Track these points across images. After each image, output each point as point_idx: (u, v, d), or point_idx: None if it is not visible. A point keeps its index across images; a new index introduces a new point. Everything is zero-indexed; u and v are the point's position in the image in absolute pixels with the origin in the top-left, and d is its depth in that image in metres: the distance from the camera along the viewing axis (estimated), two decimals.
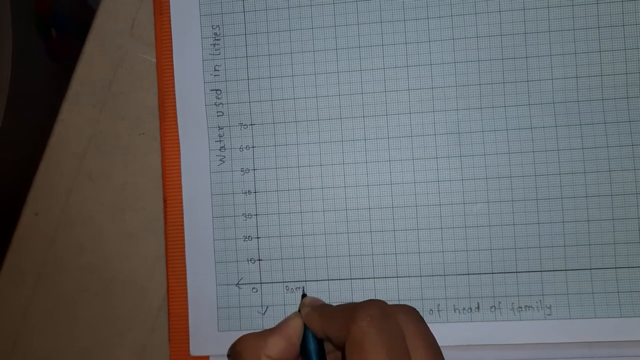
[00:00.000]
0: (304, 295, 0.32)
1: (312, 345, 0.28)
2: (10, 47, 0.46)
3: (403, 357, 0.23)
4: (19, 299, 0.37)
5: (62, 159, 0.36)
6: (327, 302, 0.34)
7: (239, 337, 0.28)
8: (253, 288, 0.34)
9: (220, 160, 0.35)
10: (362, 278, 0.34)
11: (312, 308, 0.29)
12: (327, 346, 0.28)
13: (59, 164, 0.36)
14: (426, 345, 0.24)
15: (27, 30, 0.51)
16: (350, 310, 0.25)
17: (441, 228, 0.33)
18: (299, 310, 0.30)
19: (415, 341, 0.24)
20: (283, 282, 0.34)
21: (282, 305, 0.34)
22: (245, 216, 0.34)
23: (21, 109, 0.48)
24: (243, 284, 0.34)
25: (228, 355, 0.28)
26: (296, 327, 0.28)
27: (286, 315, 0.29)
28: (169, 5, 0.35)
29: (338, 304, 0.28)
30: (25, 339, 0.37)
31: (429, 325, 0.26)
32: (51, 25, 0.54)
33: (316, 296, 0.34)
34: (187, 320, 0.34)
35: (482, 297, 0.33)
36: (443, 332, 0.28)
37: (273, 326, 0.28)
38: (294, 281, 0.34)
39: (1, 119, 0.44)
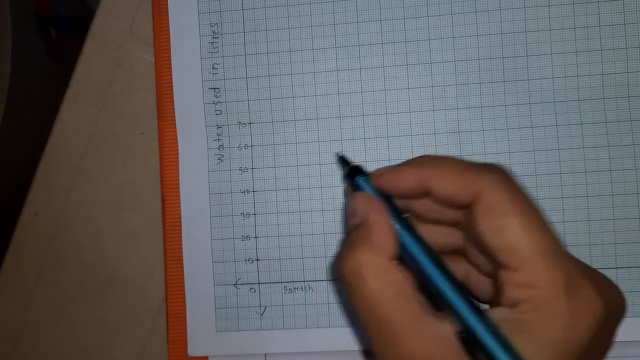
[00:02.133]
0: (343, 160, 0.29)
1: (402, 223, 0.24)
2: (10, 47, 0.46)
3: (543, 219, 0.22)
4: (19, 299, 0.37)
5: (62, 158, 0.36)
6: (326, 302, 0.34)
7: (344, 257, 0.23)
8: (251, 288, 0.34)
9: (219, 159, 0.35)
10: None
11: (395, 167, 0.25)
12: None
13: (59, 164, 0.36)
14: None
15: (26, 30, 0.51)
16: (475, 168, 0.23)
17: None
18: (356, 182, 0.26)
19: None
20: (281, 282, 0.34)
21: (281, 306, 0.34)
22: (244, 215, 0.34)
23: (21, 109, 0.48)
24: (241, 284, 0.34)
25: (341, 277, 0.23)
26: (383, 213, 0.24)
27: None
28: (167, 4, 0.35)
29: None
30: (24, 339, 0.37)
31: None
32: (51, 25, 0.54)
33: (315, 296, 0.34)
34: (185, 320, 0.34)
35: None
36: None
37: (350, 226, 0.25)
38: (293, 281, 0.34)
39: (0, 118, 0.44)
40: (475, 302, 0.22)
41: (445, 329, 0.22)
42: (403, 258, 0.24)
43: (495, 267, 0.23)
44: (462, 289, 0.23)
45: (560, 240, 0.22)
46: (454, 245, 0.26)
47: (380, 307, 0.22)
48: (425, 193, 0.24)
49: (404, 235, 0.24)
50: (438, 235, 0.26)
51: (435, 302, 0.23)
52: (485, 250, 0.22)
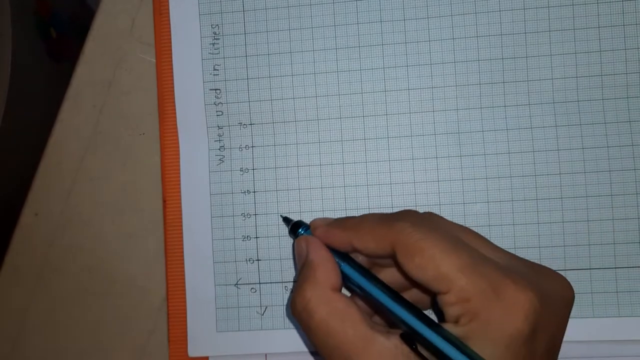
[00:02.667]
0: (286, 219, 0.33)
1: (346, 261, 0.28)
2: (10, 47, 0.46)
3: (461, 242, 0.24)
4: (19, 300, 0.37)
5: (62, 159, 0.36)
6: None
7: (295, 297, 0.26)
8: (252, 288, 0.34)
9: (220, 159, 0.35)
10: None
11: (328, 224, 0.29)
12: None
13: (59, 164, 0.36)
14: (464, 229, 0.26)
15: (27, 30, 0.51)
16: (386, 221, 0.26)
17: None
18: (297, 233, 0.30)
19: (455, 230, 0.26)
20: (282, 282, 0.34)
21: (282, 306, 0.34)
22: (244, 216, 0.34)
23: (21, 109, 0.48)
24: (242, 284, 0.34)
25: (296, 316, 0.26)
26: (321, 248, 0.27)
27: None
28: (168, 5, 0.35)
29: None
30: (24, 340, 0.37)
31: None
32: (51, 25, 0.54)
33: None
34: (186, 320, 0.34)
35: None
36: None
37: (298, 274, 0.28)
38: (293, 281, 0.34)
39: (0, 119, 0.44)
40: (423, 312, 0.25)
41: (396, 342, 0.24)
42: (351, 289, 0.27)
43: (432, 295, 0.25)
44: (406, 302, 0.25)
45: (479, 251, 0.24)
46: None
47: (329, 336, 0.24)
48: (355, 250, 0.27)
49: (344, 266, 0.27)
50: (395, 277, 0.28)
51: (390, 320, 0.26)
52: (418, 285, 0.25)
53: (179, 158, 0.35)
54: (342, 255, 0.28)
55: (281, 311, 0.34)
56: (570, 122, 0.33)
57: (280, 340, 0.34)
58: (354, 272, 0.27)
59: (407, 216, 0.26)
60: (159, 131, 0.35)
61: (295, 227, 0.31)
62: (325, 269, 0.26)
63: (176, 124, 0.35)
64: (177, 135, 0.35)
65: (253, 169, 0.34)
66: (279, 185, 0.34)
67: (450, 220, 0.33)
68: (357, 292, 0.27)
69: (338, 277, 0.26)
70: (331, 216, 0.34)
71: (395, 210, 0.33)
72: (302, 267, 0.27)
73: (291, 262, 0.34)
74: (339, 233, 0.27)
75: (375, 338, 0.24)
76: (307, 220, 0.34)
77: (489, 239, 0.33)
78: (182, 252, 0.35)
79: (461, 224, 0.33)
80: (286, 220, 0.33)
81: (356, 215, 0.33)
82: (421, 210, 0.33)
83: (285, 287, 0.34)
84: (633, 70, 0.33)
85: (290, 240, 0.34)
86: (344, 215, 0.34)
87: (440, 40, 0.33)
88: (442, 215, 0.33)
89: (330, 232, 0.28)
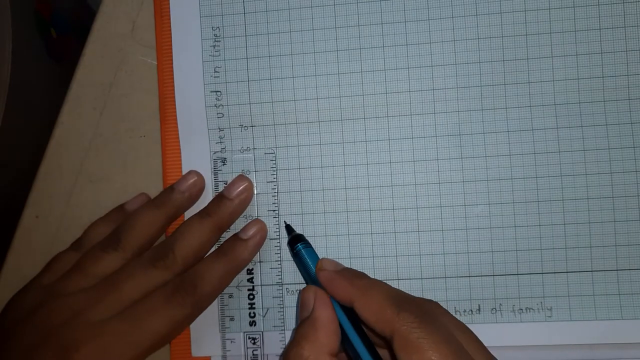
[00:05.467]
0: (289, 228, 0.33)
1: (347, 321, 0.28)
2: (10, 47, 0.46)
3: (462, 349, 0.24)
4: None
5: (63, 161, 0.36)
6: None
7: (293, 349, 0.26)
8: (253, 290, 0.34)
9: (221, 162, 0.35)
10: None
11: (336, 272, 0.29)
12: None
13: (60, 167, 0.36)
14: (469, 335, 0.26)
15: (27, 30, 0.51)
16: (394, 303, 0.25)
17: (442, 230, 0.33)
18: (295, 247, 0.31)
19: (457, 334, 0.25)
20: (283, 284, 0.34)
21: (282, 308, 0.34)
22: (246, 217, 0.34)
23: (21, 109, 0.48)
24: (243, 285, 0.34)
25: None
26: (328, 307, 0.28)
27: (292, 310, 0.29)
28: (169, 7, 0.35)
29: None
30: None
31: None
32: (51, 25, 0.54)
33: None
34: None
35: (483, 299, 0.33)
36: None
37: (300, 318, 0.28)
38: (295, 283, 0.34)
39: (0, 119, 0.44)
40: None
41: None
42: (346, 346, 0.27)
43: None
44: None
45: None
46: None
47: None
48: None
49: (344, 323, 0.27)
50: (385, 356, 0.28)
51: None
52: None
53: (180, 160, 0.35)
54: (345, 309, 0.28)
55: (282, 313, 0.34)
56: (572, 124, 0.33)
57: (280, 342, 0.34)
58: (353, 333, 0.27)
59: (414, 307, 0.25)
60: (159, 133, 0.35)
61: (294, 240, 0.32)
62: (328, 332, 0.27)
63: (177, 126, 0.35)
64: (178, 138, 0.35)
65: (254, 171, 0.34)
66: (280, 188, 0.34)
67: (452, 221, 0.33)
68: (346, 349, 0.27)
69: (338, 342, 0.27)
70: (332, 218, 0.34)
71: (397, 212, 0.33)
72: (306, 320, 0.27)
73: (292, 265, 0.34)
74: (345, 287, 0.27)
75: None
76: (308, 220, 0.34)
77: (490, 241, 0.33)
78: None
79: (462, 227, 0.33)
80: (288, 229, 0.33)
81: (357, 215, 0.34)
82: (421, 210, 0.33)
83: (287, 289, 0.34)
84: (634, 72, 0.32)
85: None
86: (345, 217, 0.34)
87: (442, 42, 0.33)
88: (443, 217, 0.33)
89: (336, 283, 0.28)
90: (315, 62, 0.34)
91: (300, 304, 0.29)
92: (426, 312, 0.25)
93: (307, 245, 0.32)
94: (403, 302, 0.26)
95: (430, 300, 0.27)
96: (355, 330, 0.27)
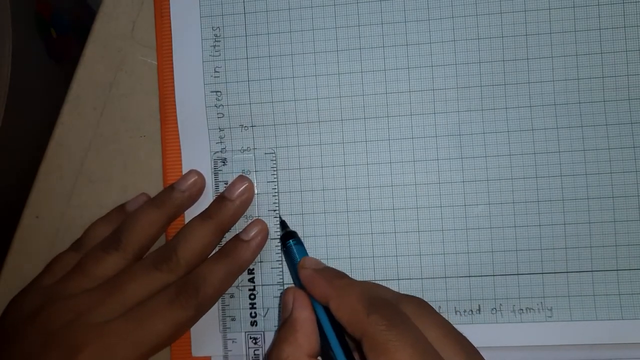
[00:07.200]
0: (283, 223, 0.34)
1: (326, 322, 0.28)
2: (10, 47, 0.45)
3: (431, 350, 0.24)
4: None
5: (63, 161, 0.36)
6: None
7: (274, 350, 0.27)
8: (254, 289, 0.34)
9: (222, 162, 0.35)
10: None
11: (316, 270, 0.29)
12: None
13: (60, 167, 0.36)
14: (447, 333, 0.25)
15: (27, 30, 0.51)
16: (367, 305, 0.26)
17: (442, 230, 0.33)
18: (287, 243, 0.32)
19: (434, 332, 0.25)
20: (284, 284, 0.34)
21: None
22: (246, 218, 0.34)
23: (21, 110, 0.48)
24: (243, 285, 0.34)
25: None
26: (306, 308, 0.28)
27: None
28: (169, 7, 0.35)
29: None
30: None
31: None
32: (51, 25, 0.54)
33: None
34: None
35: (483, 299, 0.33)
36: None
37: (282, 319, 0.29)
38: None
39: (1, 119, 0.44)
40: None
41: None
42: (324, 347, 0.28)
43: None
44: None
45: None
46: None
47: None
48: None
49: (324, 324, 0.28)
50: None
51: None
52: None
53: (180, 160, 0.35)
54: (326, 310, 0.28)
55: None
56: (572, 124, 0.33)
57: None
58: (331, 334, 0.28)
59: (386, 309, 0.25)
60: (160, 133, 0.35)
61: (285, 237, 0.32)
62: (306, 333, 0.27)
63: (177, 127, 0.35)
64: (178, 138, 0.35)
65: (255, 171, 0.34)
66: (281, 188, 0.34)
67: (452, 221, 0.33)
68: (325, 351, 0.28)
69: (317, 343, 0.27)
70: (333, 218, 0.34)
71: (397, 212, 0.33)
72: (285, 322, 0.28)
73: None
74: (323, 286, 0.28)
75: None
76: (308, 220, 0.34)
77: (490, 241, 0.33)
78: None
79: (462, 228, 0.33)
80: (282, 224, 0.34)
81: (357, 215, 0.34)
82: (421, 210, 0.33)
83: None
84: (634, 72, 0.32)
85: None
86: (345, 217, 0.34)
87: (442, 42, 0.33)
88: (443, 217, 0.33)
89: (315, 281, 0.29)
90: (315, 62, 0.34)
91: (282, 305, 0.29)
92: (397, 313, 0.25)
93: (298, 242, 0.32)
94: (375, 303, 0.26)
95: (412, 298, 0.27)
96: (334, 331, 0.28)
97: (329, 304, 0.27)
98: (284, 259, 0.34)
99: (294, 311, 0.28)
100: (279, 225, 0.34)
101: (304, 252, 0.32)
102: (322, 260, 0.33)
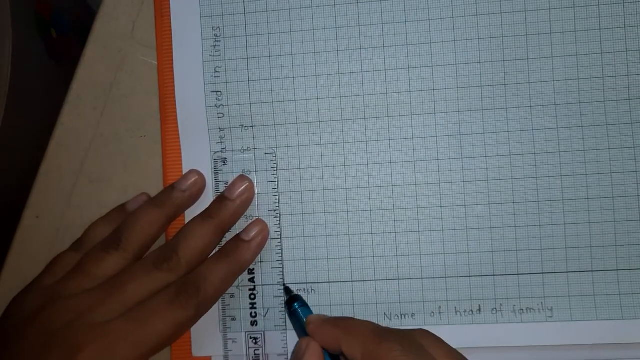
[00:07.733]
0: (287, 289, 0.34)
1: None
2: (10, 47, 0.45)
3: None
4: None
5: (63, 161, 0.36)
6: (328, 304, 0.34)
7: None
8: (254, 289, 0.34)
9: (222, 162, 0.35)
10: (363, 280, 0.34)
11: (322, 321, 0.30)
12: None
13: (60, 167, 0.36)
14: (456, 355, 0.26)
15: (27, 30, 0.51)
16: (378, 336, 0.26)
17: (442, 230, 0.33)
18: (288, 306, 0.32)
19: (444, 359, 0.26)
20: (284, 284, 0.34)
21: (283, 308, 0.34)
22: (246, 218, 0.34)
23: (21, 110, 0.48)
24: (244, 285, 0.34)
25: None
26: (318, 357, 0.29)
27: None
28: (169, 7, 0.35)
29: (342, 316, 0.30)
30: None
31: (430, 327, 0.28)
32: (51, 25, 0.54)
33: (317, 298, 0.34)
34: None
35: (483, 299, 0.33)
36: (444, 335, 0.28)
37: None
38: (296, 283, 0.34)
39: (1, 119, 0.43)
40: None
41: None
42: None
43: None
44: None
45: None
46: None
47: None
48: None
49: None
50: None
51: None
52: None
53: (180, 160, 0.35)
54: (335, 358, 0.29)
55: (282, 313, 0.34)
56: (572, 124, 0.33)
57: (282, 342, 0.34)
58: None
59: (398, 337, 0.26)
60: (160, 133, 0.35)
61: (291, 301, 0.32)
62: None
63: (177, 126, 0.35)
64: (178, 138, 0.35)
65: (255, 171, 0.34)
66: (281, 188, 0.34)
67: (452, 221, 0.33)
68: None
69: None
70: (333, 218, 0.34)
71: (397, 212, 0.33)
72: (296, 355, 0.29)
73: (293, 264, 0.34)
74: (331, 330, 0.28)
75: None
76: (308, 220, 0.34)
77: (490, 241, 0.33)
78: None
79: (462, 227, 0.33)
80: (287, 290, 0.34)
81: (357, 215, 0.34)
82: (421, 210, 0.33)
83: (287, 289, 0.34)
84: (634, 72, 0.33)
85: (293, 242, 0.34)
86: (346, 217, 0.34)
87: (442, 42, 0.33)
88: (443, 217, 0.33)
89: (323, 329, 0.29)
90: (315, 62, 0.34)
91: (294, 353, 0.30)
92: (408, 340, 0.26)
93: (304, 304, 0.32)
94: (386, 332, 0.27)
95: (418, 329, 0.28)
96: None
97: (340, 347, 0.28)
98: (284, 259, 0.34)
99: (305, 357, 0.28)
100: (280, 227, 0.34)
101: (309, 312, 0.32)
102: (321, 261, 0.33)
